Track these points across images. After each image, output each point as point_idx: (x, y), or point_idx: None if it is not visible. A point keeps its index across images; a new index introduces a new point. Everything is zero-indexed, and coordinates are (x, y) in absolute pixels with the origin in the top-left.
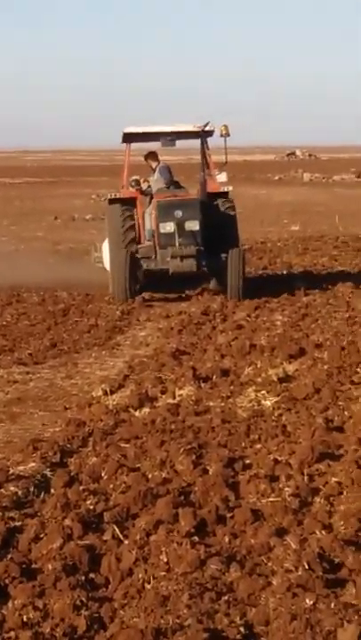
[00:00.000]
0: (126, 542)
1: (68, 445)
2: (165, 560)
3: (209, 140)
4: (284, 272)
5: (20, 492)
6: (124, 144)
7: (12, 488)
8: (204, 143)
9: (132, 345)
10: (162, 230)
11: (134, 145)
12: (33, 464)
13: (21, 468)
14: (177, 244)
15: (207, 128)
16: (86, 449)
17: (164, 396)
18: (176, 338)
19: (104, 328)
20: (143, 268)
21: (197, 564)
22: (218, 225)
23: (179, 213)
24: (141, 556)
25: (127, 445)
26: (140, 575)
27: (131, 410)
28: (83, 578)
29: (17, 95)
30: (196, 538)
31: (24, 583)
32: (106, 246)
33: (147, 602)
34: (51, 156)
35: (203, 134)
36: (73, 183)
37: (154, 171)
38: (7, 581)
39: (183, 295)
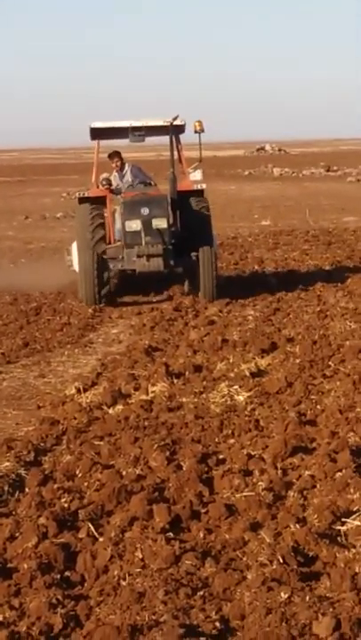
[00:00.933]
0: (101, 539)
1: (42, 444)
2: (140, 556)
3: (182, 136)
4: (256, 267)
5: None
6: (94, 141)
7: None
8: (174, 139)
9: (104, 342)
10: (127, 229)
11: (103, 143)
12: (7, 463)
13: None
14: (143, 243)
15: (177, 122)
16: (60, 447)
17: (137, 393)
18: (148, 334)
19: (76, 326)
20: (111, 270)
21: (172, 560)
22: (190, 224)
23: (145, 211)
24: (117, 552)
25: (101, 443)
26: (116, 572)
27: (104, 407)
28: (58, 576)
29: None
30: (170, 534)
31: None
32: (75, 247)
33: (122, 599)
34: (19, 155)
35: (174, 129)
36: (42, 182)
37: (120, 170)
38: None
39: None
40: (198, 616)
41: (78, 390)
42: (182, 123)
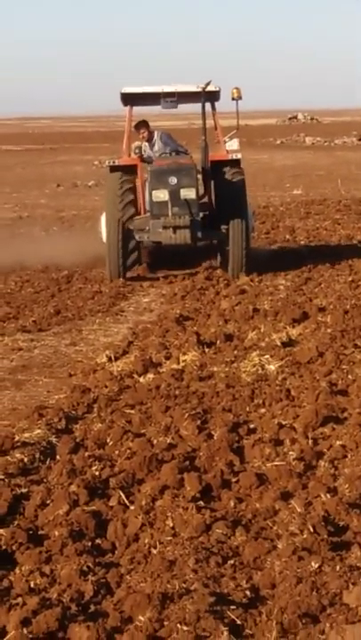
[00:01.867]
0: (132, 508)
1: (73, 412)
2: (171, 525)
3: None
4: (287, 236)
5: (25, 459)
6: (126, 107)
7: (17, 455)
8: (209, 106)
9: (135, 311)
10: (154, 199)
11: (136, 110)
12: (38, 431)
13: (27, 434)
14: (170, 214)
15: (212, 88)
16: (91, 415)
17: (168, 362)
18: (180, 303)
19: (108, 294)
20: (136, 241)
21: (203, 529)
22: (223, 195)
23: (173, 180)
24: (147, 521)
25: (132, 411)
26: (147, 540)
27: (135, 376)
28: (89, 543)
29: (16, 63)
30: (201, 502)
31: (31, 549)
32: (104, 218)
33: (153, 567)
34: (51, 122)
35: (207, 96)
36: (74, 149)
37: (148, 140)
38: (14, 548)
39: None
40: (229, 585)
41: (109, 359)
42: (217, 89)
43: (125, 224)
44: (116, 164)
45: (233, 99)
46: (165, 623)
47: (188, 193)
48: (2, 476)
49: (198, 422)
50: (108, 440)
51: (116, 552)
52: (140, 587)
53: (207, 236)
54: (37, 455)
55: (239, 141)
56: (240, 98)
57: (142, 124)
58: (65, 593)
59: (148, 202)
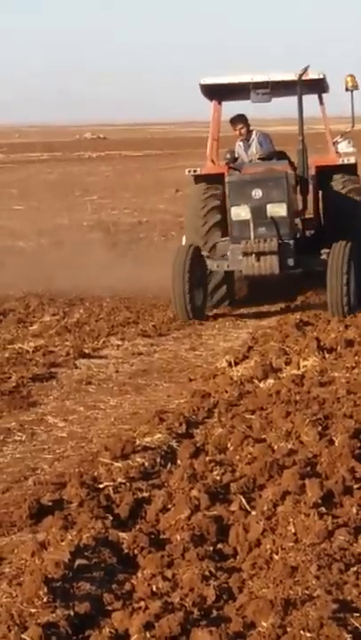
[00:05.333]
0: (253, 513)
1: (194, 416)
2: (293, 531)
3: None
4: None
5: (146, 463)
6: (212, 103)
7: (138, 459)
8: (317, 99)
9: (255, 316)
10: (234, 217)
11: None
12: (159, 435)
13: (148, 439)
14: (252, 237)
15: (313, 76)
16: (212, 420)
17: (288, 367)
18: (299, 308)
19: None
20: (210, 271)
21: (325, 535)
22: (330, 210)
23: (258, 193)
24: (269, 526)
25: (252, 416)
26: (268, 546)
27: (255, 381)
28: (211, 548)
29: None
30: (323, 509)
31: (153, 553)
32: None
33: (275, 572)
34: (173, 128)
35: (309, 86)
36: (193, 154)
37: (245, 140)
38: (136, 552)
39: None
40: (352, 592)
41: (229, 364)
42: (321, 76)
43: (193, 247)
44: (198, 172)
45: (347, 89)
46: (288, 629)
47: (277, 210)
48: (123, 480)
49: (319, 428)
50: (228, 445)
51: (238, 557)
52: (262, 592)
53: (303, 263)
54: (158, 459)
55: (353, 143)
56: (356, 87)
57: (239, 119)
58: (187, 597)
59: (228, 221)
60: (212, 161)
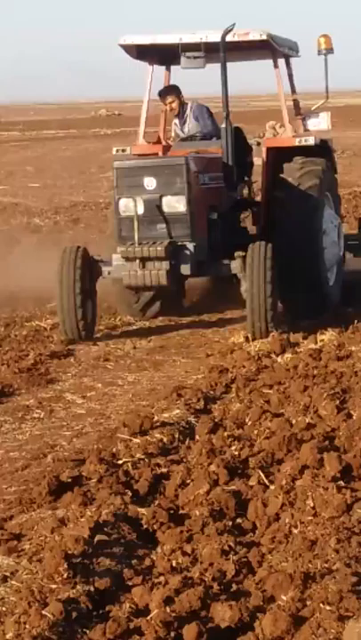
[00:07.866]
0: (272, 487)
1: (212, 392)
2: (312, 505)
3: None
4: None
5: (165, 439)
6: (148, 67)
7: (157, 435)
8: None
9: None
10: (121, 212)
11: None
12: (177, 411)
13: (166, 414)
14: (136, 238)
15: (255, 37)
16: (229, 395)
17: (305, 342)
18: None
19: None
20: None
21: (344, 509)
22: (278, 203)
23: (151, 183)
24: (288, 500)
25: (270, 391)
26: (287, 520)
27: (273, 356)
28: (230, 523)
29: None
30: (341, 482)
31: (172, 529)
32: None
33: (294, 546)
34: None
35: (259, 49)
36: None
37: (179, 115)
38: (155, 527)
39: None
40: None
41: (246, 339)
42: (263, 37)
43: (80, 248)
44: (127, 152)
45: (319, 52)
46: (308, 603)
47: (174, 204)
48: (142, 456)
49: (337, 402)
50: (246, 420)
51: (257, 532)
52: (281, 566)
53: (211, 268)
54: (177, 435)
55: (329, 116)
56: (331, 50)
57: (170, 91)
58: (207, 572)
59: (115, 217)
60: (144, 138)
